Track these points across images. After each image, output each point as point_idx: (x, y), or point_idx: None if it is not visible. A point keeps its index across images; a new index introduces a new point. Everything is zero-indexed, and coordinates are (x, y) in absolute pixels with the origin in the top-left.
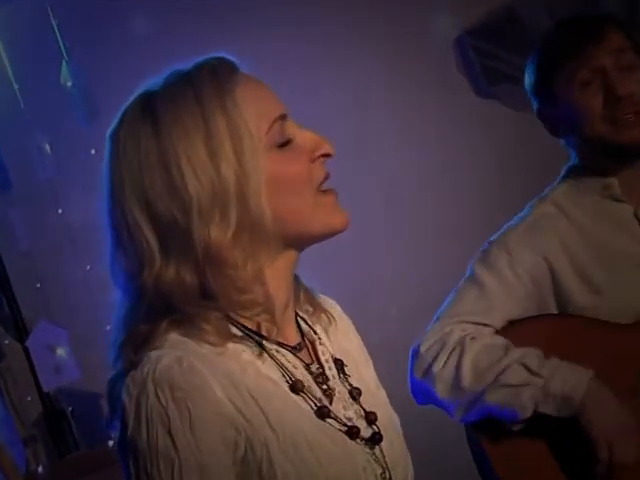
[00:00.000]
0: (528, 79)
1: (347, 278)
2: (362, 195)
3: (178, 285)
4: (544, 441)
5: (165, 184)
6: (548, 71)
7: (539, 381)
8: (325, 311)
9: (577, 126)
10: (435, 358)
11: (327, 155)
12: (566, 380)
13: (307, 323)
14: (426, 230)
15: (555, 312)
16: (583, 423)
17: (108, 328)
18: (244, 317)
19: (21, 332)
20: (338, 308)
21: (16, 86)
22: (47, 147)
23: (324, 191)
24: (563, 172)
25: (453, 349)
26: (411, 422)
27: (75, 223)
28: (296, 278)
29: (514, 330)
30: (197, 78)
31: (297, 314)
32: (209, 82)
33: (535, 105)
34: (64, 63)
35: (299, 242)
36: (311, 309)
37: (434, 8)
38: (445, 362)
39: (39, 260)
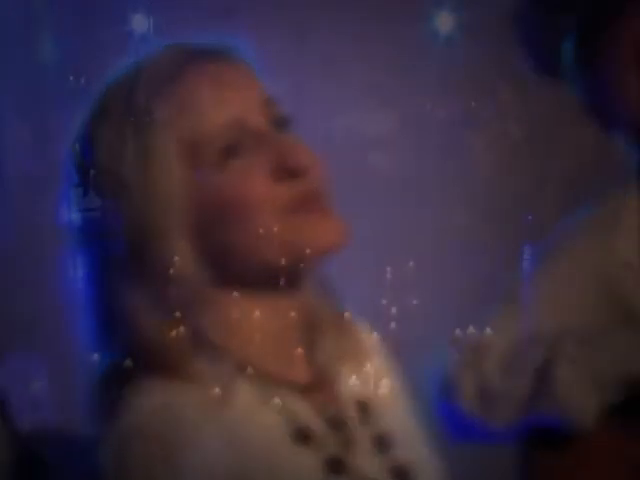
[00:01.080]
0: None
1: (347, 278)
2: (362, 195)
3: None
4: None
5: None
6: (584, 43)
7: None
8: (359, 354)
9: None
10: (456, 368)
11: (293, 171)
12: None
13: (329, 356)
14: (427, 230)
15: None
16: None
17: (95, 357)
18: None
19: None
20: (374, 340)
21: None
22: (27, 134)
23: (301, 208)
24: None
25: (474, 352)
26: None
27: (61, 227)
28: (323, 302)
29: None
30: (137, 81)
31: (315, 341)
32: (143, 93)
33: (576, 91)
34: (47, 35)
35: (267, 280)
36: (340, 341)
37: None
38: (465, 366)
39: (17, 270)
